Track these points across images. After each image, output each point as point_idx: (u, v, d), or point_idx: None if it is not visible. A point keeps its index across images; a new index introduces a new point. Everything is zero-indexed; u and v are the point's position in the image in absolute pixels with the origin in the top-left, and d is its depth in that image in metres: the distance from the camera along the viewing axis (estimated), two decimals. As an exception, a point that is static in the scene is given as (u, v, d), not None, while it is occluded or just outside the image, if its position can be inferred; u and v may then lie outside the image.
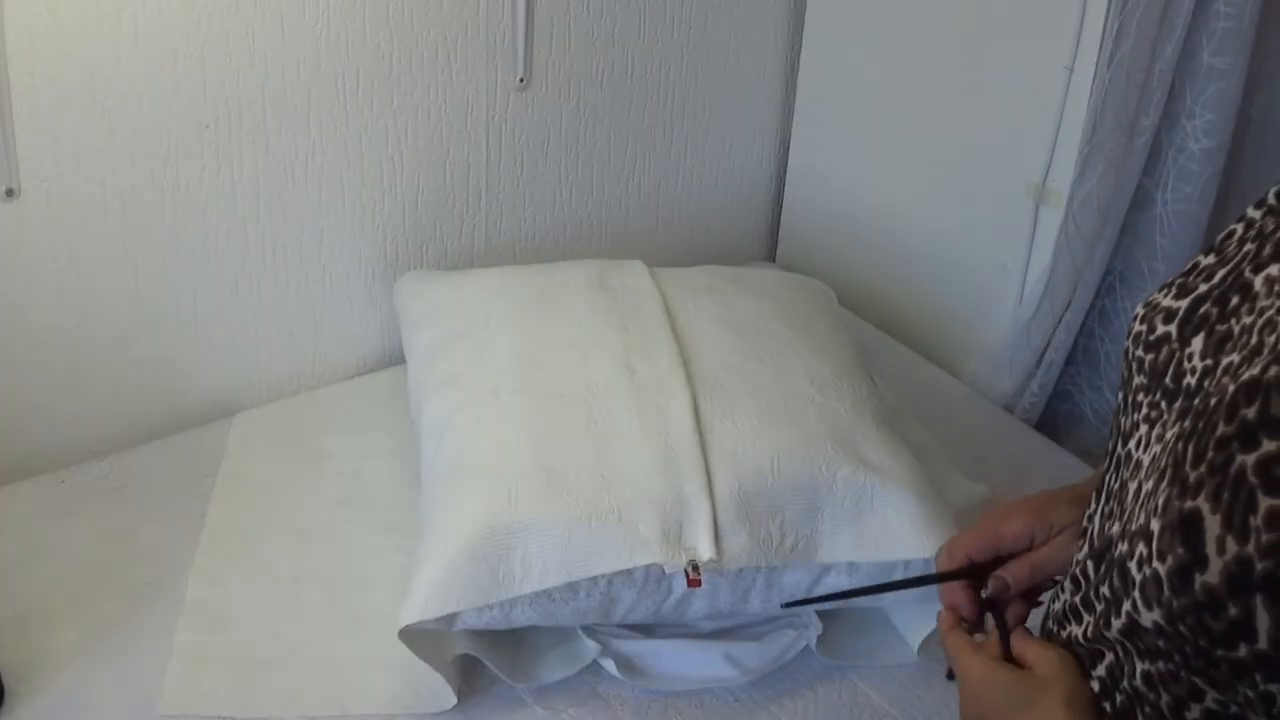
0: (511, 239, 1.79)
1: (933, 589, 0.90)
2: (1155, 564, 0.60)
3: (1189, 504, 0.58)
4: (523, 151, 1.74)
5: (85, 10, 1.31)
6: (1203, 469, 0.59)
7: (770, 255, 2.13)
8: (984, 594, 0.85)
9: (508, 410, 1.24)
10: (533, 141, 1.74)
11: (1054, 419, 1.75)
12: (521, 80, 1.68)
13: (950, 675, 0.91)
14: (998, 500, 1.46)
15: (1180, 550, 0.58)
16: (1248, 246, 0.69)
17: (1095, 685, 0.72)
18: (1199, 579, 0.57)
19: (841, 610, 1.26)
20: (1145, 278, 1.62)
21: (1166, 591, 0.59)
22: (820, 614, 1.24)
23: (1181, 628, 0.59)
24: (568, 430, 1.21)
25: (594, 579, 1.13)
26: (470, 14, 1.59)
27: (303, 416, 1.58)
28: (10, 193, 1.33)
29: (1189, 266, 0.74)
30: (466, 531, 1.13)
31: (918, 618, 1.25)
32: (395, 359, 1.68)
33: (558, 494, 1.14)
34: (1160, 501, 0.61)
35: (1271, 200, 0.71)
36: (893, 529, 1.18)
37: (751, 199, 2.07)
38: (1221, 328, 0.66)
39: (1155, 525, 0.61)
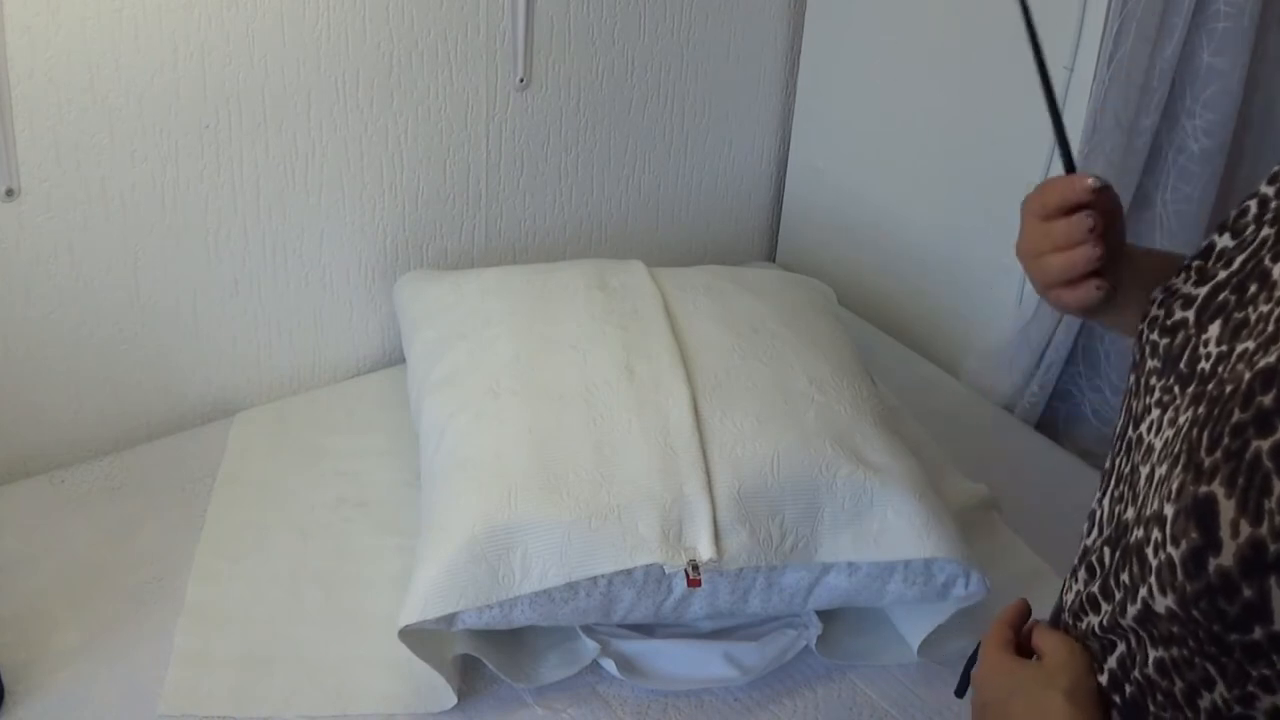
0: (511, 239, 1.79)
1: None
2: (1169, 549, 0.60)
3: (1204, 489, 0.59)
4: (523, 151, 1.74)
5: (85, 10, 1.31)
6: (1218, 454, 0.59)
7: (770, 255, 2.13)
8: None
9: (507, 410, 1.24)
10: (533, 141, 1.74)
11: (1054, 419, 1.76)
12: (521, 80, 1.68)
13: (960, 692, 0.91)
14: (993, 497, 1.46)
15: (1194, 534, 0.58)
16: (1266, 231, 0.68)
17: (1105, 677, 0.72)
18: (1213, 563, 0.58)
19: (841, 610, 1.26)
20: (1145, 278, 1.62)
21: (1180, 576, 0.59)
22: (820, 614, 1.25)
23: (1195, 612, 0.60)
24: (567, 430, 1.21)
25: (594, 579, 1.13)
26: (470, 14, 1.59)
27: (302, 416, 1.58)
28: (10, 193, 1.33)
29: (1205, 247, 0.73)
30: (466, 531, 1.13)
31: (918, 618, 1.25)
32: (395, 359, 1.68)
33: (557, 494, 1.14)
34: (1174, 487, 0.61)
35: None
36: (892, 528, 1.18)
37: (751, 199, 2.07)
38: (1239, 315, 0.66)
39: (1169, 510, 0.61)
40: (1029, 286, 1.68)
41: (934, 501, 1.21)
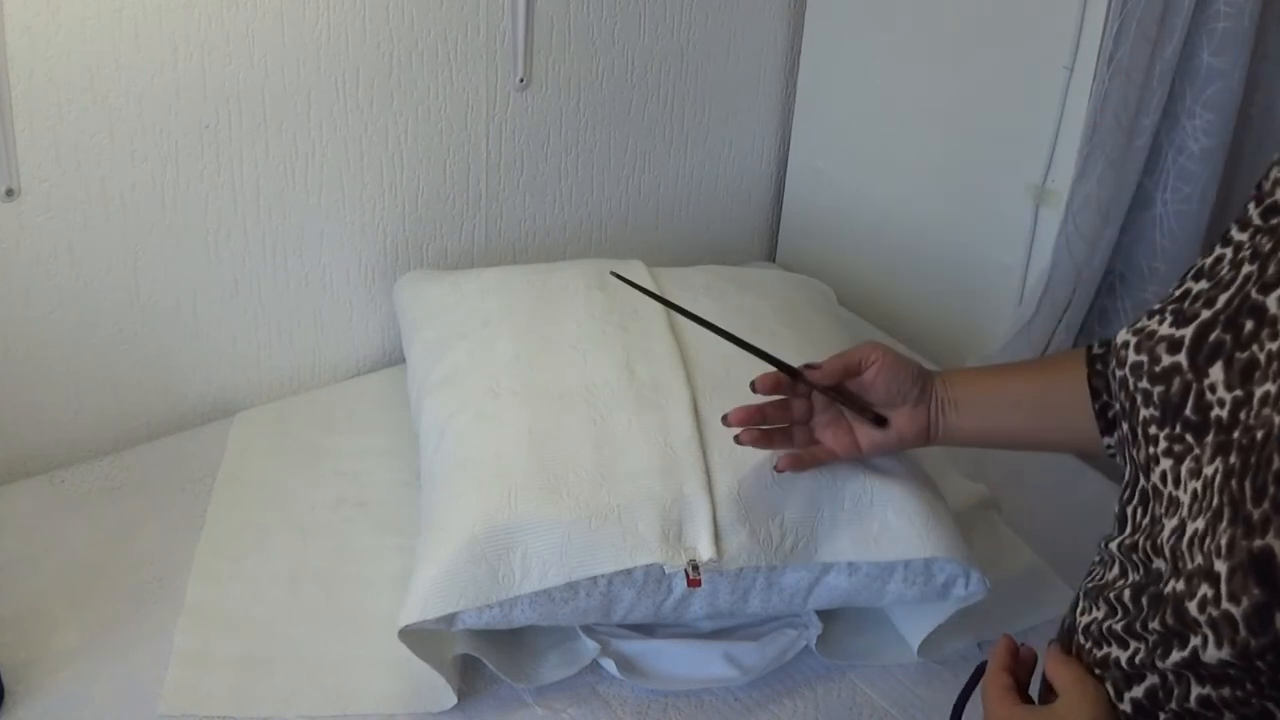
0: (511, 239, 1.79)
1: None
2: (1226, 605, 0.59)
3: (1259, 543, 0.58)
4: (523, 151, 1.74)
5: (85, 10, 1.31)
6: (1267, 506, 0.58)
7: (770, 255, 2.13)
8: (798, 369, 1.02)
9: (507, 410, 1.24)
10: (533, 141, 1.74)
11: (1054, 419, 1.75)
12: (521, 80, 1.68)
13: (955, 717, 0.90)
14: (993, 497, 1.46)
15: (1256, 591, 0.58)
16: (1247, 269, 0.67)
17: (1129, 707, 0.71)
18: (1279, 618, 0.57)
19: (841, 610, 1.26)
20: (1145, 278, 1.62)
21: (1243, 632, 0.59)
22: (820, 614, 1.25)
23: (1260, 664, 0.59)
24: (567, 430, 1.21)
25: (594, 579, 1.13)
26: (470, 14, 1.59)
27: (302, 416, 1.58)
28: (10, 193, 1.33)
29: (1179, 293, 0.72)
30: (466, 531, 1.13)
31: (918, 618, 1.25)
32: (395, 359, 1.68)
33: (557, 494, 1.14)
34: (1223, 542, 0.60)
35: (1256, 220, 0.70)
36: (892, 528, 1.18)
37: (751, 199, 2.07)
38: (1242, 355, 0.64)
39: (1221, 567, 0.60)
40: (1029, 286, 1.69)
41: (934, 501, 1.21)
